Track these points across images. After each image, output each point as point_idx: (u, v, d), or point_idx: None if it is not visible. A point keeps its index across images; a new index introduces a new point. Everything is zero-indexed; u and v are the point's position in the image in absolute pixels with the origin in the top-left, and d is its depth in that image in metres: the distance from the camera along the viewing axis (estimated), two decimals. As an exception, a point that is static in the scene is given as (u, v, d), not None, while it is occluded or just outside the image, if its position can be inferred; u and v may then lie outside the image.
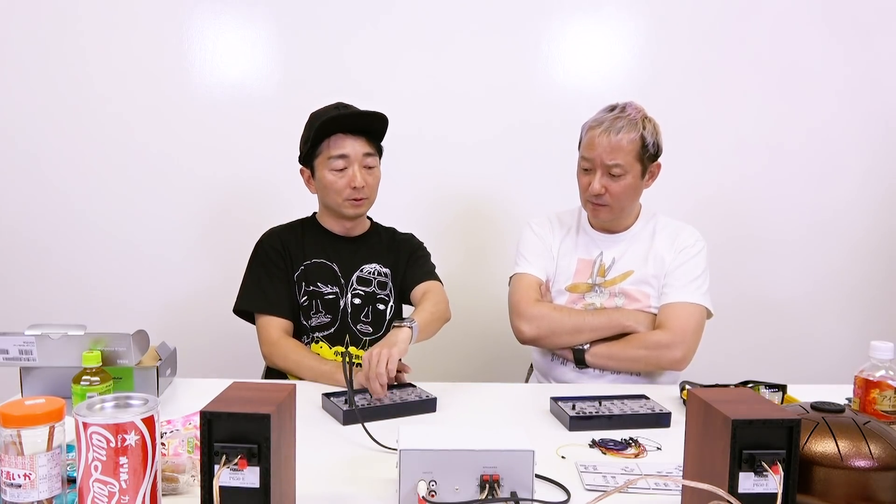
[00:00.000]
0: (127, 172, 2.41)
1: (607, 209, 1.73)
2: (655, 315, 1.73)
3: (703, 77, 2.47)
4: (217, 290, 2.41)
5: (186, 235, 2.45)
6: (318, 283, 1.76)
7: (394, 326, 1.56)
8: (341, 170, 1.71)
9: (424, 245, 1.91)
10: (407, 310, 1.85)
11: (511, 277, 1.85)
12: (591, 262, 1.79)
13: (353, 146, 1.71)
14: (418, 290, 1.78)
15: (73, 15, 2.34)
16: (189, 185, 2.43)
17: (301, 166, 1.79)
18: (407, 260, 1.84)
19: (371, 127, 1.74)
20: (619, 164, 1.67)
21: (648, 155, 1.70)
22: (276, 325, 1.71)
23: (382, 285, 1.81)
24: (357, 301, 1.78)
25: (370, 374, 1.43)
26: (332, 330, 1.76)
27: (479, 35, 2.42)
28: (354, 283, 1.78)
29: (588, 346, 1.71)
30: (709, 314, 1.75)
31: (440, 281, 1.82)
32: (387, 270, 1.83)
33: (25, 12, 2.34)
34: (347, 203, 1.74)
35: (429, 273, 1.83)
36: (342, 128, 1.70)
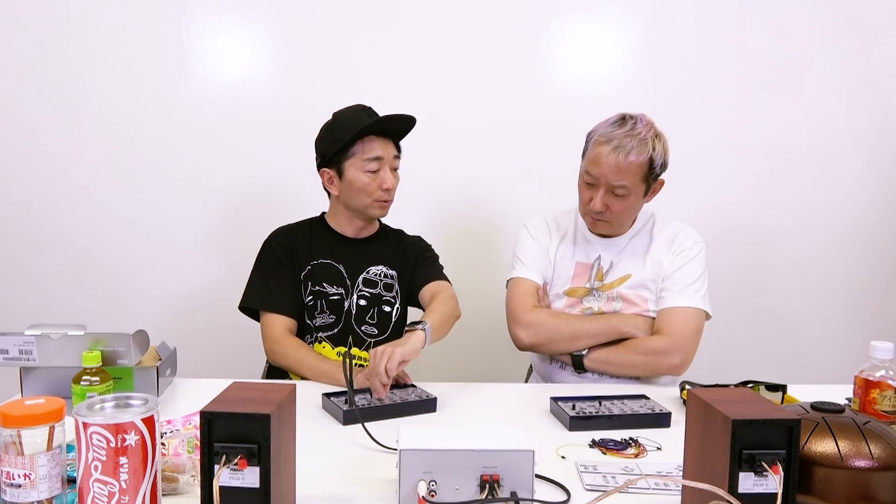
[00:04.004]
0: (127, 173, 2.41)
1: (606, 224, 1.73)
2: (654, 319, 1.73)
3: (703, 77, 2.47)
4: (217, 290, 2.41)
5: (186, 235, 2.45)
6: (324, 284, 1.77)
7: (406, 330, 1.56)
8: (374, 171, 1.72)
9: (432, 247, 1.92)
10: (414, 312, 1.85)
11: (508, 282, 1.84)
12: (588, 266, 1.79)
13: (384, 148, 1.73)
14: (426, 291, 1.78)
15: (73, 16, 2.34)
16: (189, 185, 2.43)
17: (322, 167, 1.78)
18: (414, 262, 1.85)
19: (401, 129, 1.77)
20: (625, 185, 1.64)
21: (654, 175, 1.68)
22: (280, 324, 1.72)
23: (388, 287, 1.82)
24: (362, 302, 1.78)
25: (372, 371, 1.44)
26: (336, 330, 1.77)
27: (479, 35, 2.42)
28: (360, 284, 1.79)
29: (587, 351, 1.71)
30: (707, 316, 1.74)
31: (449, 281, 1.83)
32: (393, 272, 1.83)
33: (26, 12, 2.34)
34: (376, 204, 1.76)
35: (437, 273, 1.83)
36: (375, 130, 1.72)
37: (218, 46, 2.39)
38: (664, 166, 1.68)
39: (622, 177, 1.63)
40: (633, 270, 1.76)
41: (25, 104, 2.38)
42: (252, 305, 1.76)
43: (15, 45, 2.35)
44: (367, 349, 1.78)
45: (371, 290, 1.80)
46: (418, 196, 2.42)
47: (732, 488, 0.84)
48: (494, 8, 2.41)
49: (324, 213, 1.88)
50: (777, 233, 2.56)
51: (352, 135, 1.69)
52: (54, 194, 2.41)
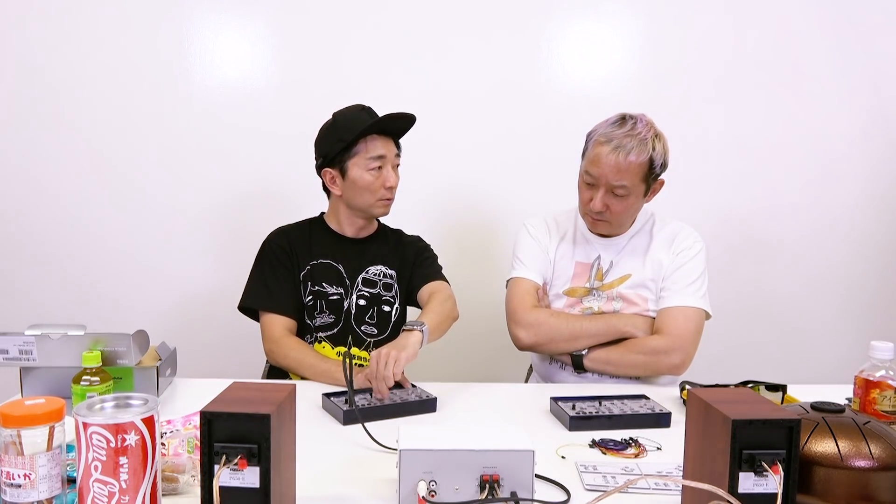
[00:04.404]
0: (127, 173, 2.41)
1: (606, 224, 1.73)
2: (654, 319, 1.73)
3: (703, 78, 2.47)
4: (217, 290, 2.41)
5: (186, 235, 2.45)
6: (324, 284, 1.77)
7: (404, 330, 1.56)
8: (378, 170, 1.73)
9: (431, 247, 1.92)
10: (413, 312, 1.85)
11: (508, 282, 1.84)
12: (588, 266, 1.79)
13: (386, 147, 1.75)
14: (425, 291, 1.78)
15: (73, 16, 2.34)
16: (189, 185, 2.43)
17: (325, 167, 1.78)
18: (413, 262, 1.86)
19: (401, 128, 1.78)
20: (625, 185, 1.63)
21: (654, 175, 1.68)
22: (280, 323, 1.72)
23: (388, 287, 1.82)
24: (362, 302, 1.79)
25: (377, 374, 1.44)
26: (336, 330, 1.77)
27: (479, 36, 2.42)
28: (360, 284, 1.79)
29: (586, 351, 1.71)
30: (707, 315, 1.74)
31: (447, 281, 1.83)
32: (392, 272, 1.84)
33: (24, 11, 2.34)
34: (380, 203, 1.77)
35: (435, 273, 1.84)
36: (377, 129, 1.73)
37: (218, 46, 2.39)
38: (664, 166, 1.68)
39: (622, 177, 1.63)
40: (632, 270, 1.76)
41: (24, 104, 2.37)
42: (251, 305, 1.77)
43: (13, 45, 2.35)
44: (366, 349, 1.78)
45: (370, 290, 1.80)
46: (418, 196, 2.42)
47: (732, 488, 0.84)
48: (494, 8, 2.41)
49: (322, 214, 1.88)
50: (777, 233, 2.56)
51: (355, 134, 1.70)
52: (53, 194, 2.41)
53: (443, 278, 1.83)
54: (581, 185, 1.73)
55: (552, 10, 2.43)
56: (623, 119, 1.66)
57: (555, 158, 2.37)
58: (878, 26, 2.48)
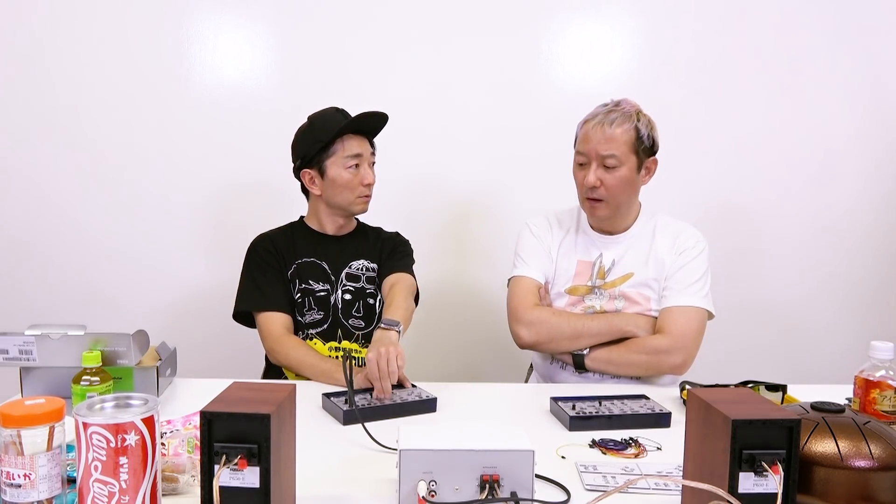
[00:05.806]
0: (126, 173, 2.41)
1: (604, 204, 1.72)
2: (655, 318, 1.73)
3: (703, 77, 2.47)
4: (217, 290, 2.41)
5: (186, 236, 2.45)
6: (310, 281, 1.79)
7: (381, 328, 1.57)
8: (355, 168, 1.77)
9: (409, 243, 1.94)
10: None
11: (509, 280, 1.84)
12: (590, 264, 1.79)
13: (362, 146, 1.79)
14: (388, 281, 1.80)
15: (72, 15, 2.34)
16: (189, 185, 2.43)
17: (303, 168, 1.81)
18: (389, 254, 1.88)
19: (374, 127, 1.81)
20: (614, 155, 1.66)
21: (643, 148, 1.69)
22: (278, 321, 1.73)
23: (371, 280, 1.85)
24: (347, 297, 1.81)
25: (381, 373, 1.44)
26: (325, 326, 1.79)
27: (479, 35, 2.42)
28: (344, 279, 1.82)
29: (588, 350, 1.71)
30: (710, 315, 1.74)
31: (413, 275, 1.85)
32: (374, 266, 1.87)
33: (24, 11, 2.34)
34: (359, 200, 1.81)
35: (404, 266, 1.85)
36: (352, 129, 1.77)
37: (218, 46, 2.39)
38: (653, 140, 1.70)
39: (610, 146, 1.65)
40: (635, 269, 1.75)
41: (24, 104, 2.37)
42: (246, 308, 1.78)
43: (12, 45, 2.35)
44: (356, 342, 1.81)
45: (354, 285, 1.83)
46: (419, 196, 2.42)
47: (732, 488, 0.84)
48: (494, 8, 2.41)
49: (302, 217, 1.91)
50: (777, 232, 2.56)
51: (332, 134, 1.75)
52: (53, 194, 2.41)
53: (408, 271, 1.85)
54: (575, 171, 1.75)
55: (553, 10, 2.43)
56: (607, 102, 1.72)
57: (555, 158, 2.36)
58: (877, 25, 2.48)
